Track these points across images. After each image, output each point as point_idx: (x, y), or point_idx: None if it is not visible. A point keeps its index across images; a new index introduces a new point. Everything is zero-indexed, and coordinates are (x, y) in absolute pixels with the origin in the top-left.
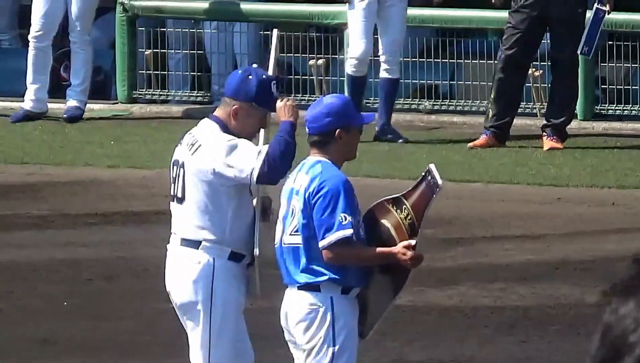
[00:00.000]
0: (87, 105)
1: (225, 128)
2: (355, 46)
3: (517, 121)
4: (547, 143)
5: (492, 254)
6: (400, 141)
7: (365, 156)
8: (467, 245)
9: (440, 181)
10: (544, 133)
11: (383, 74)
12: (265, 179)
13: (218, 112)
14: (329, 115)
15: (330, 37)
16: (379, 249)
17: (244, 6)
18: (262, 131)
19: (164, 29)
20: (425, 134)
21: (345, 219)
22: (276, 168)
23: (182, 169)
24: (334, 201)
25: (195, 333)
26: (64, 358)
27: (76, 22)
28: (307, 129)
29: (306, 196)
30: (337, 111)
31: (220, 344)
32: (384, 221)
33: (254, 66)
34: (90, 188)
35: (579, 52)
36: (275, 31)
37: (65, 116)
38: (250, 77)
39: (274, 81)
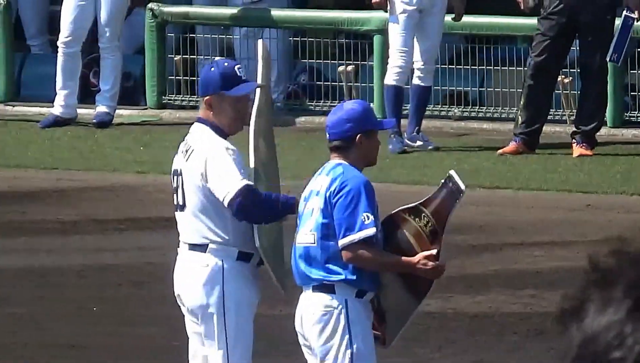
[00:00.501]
0: (117, 111)
1: (212, 125)
2: (396, 56)
3: (546, 128)
4: (577, 149)
5: (521, 261)
6: (430, 147)
7: (395, 162)
8: (496, 252)
9: (463, 186)
10: (573, 140)
11: (416, 81)
12: (234, 210)
13: (201, 113)
14: (350, 121)
15: (360, 43)
16: (399, 257)
17: (274, 12)
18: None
19: (194, 35)
20: (455, 140)
21: (368, 218)
22: (247, 211)
23: (180, 177)
24: (356, 200)
25: (210, 338)
26: None
27: (105, 28)
28: (327, 135)
29: (327, 196)
30: (357, 116)
31: (237, 347)
32: (403, 230)
33: (216, 58)
34: (119, 194)
35: (607, 59)
36: (260, 42)
37: (94, 121)
38: (212, 69)
39: (238, 65)
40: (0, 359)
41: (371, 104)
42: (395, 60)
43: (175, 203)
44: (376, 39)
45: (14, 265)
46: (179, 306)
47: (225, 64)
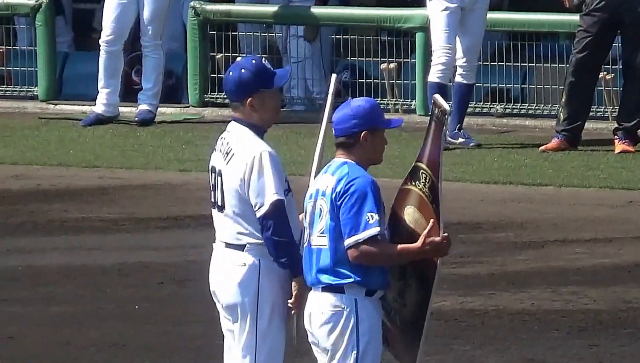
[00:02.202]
0: (159, 109)
1: (253, 126)
2: (439, 53)
3: (588, 125)
4: (619, 146)
5: (563, 258)
6: (472, 144)
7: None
8: (538, 249)
9: (447, 107)
10: (615, 136)
11: (458, 79)
12: (261, 224)
13: (237, 115)
14: (355, 117)
15: (402, 40)
16: (403, 245)
17: (316, 10)
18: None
19: (235, 33)
20: (497, 137)
21: (372, 218)
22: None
23: (219, 178)
24: (361, 201)
25: (241, 335)
26: (136, 362)
27: (148, 26)
28: (333, 131)
29: (333, 197)
30: (363, 113)
31: (265, 346)
32: (405, 215)
33: (238, 59)
34: (161, 192)
35: None
36: (333, 76)
37: (136, 119)
38: (243, 71)
39: (264, 59)
40: (42, 358)
41: (414, 102)
42: (438, 57)
43: (212, 200)
44: (418, 36)
45: (56, 264)
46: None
47: (253, 61)
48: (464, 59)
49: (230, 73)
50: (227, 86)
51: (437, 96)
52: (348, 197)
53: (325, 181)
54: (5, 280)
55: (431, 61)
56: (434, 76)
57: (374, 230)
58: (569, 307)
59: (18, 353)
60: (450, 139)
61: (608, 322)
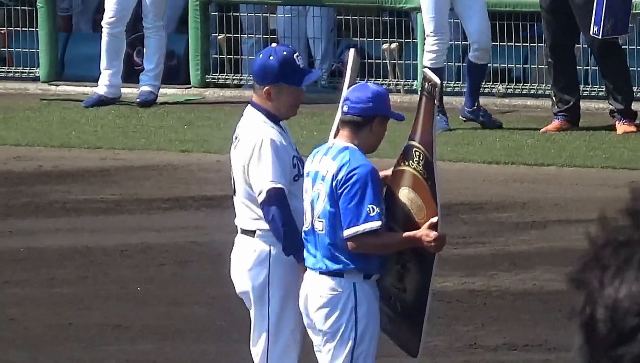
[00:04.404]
0: (160, 90)
1: (266, 111)
2: (430, 41)
3: (590, 104)
4: (620, 127)
5: (565, 238)
6: (497, 124)
7: (438, 140)
8: (540, 229)
9: (437, 80)
10: (615, 119)
11: (471, 59)
12: (262, 211)
13: (255, 98)
14: (373, 101)
15: (404, 21)
16: (402, 234)
17: None
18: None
19: (237, 14)
20: (498, 117)
21: (373, 210)
22: (271, 214)
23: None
24: (362, 191)
25: (255, 321)
26: (138, 343)
27: (149, 7)
28: (344, 108)
29: (333, 184)
30: (381, 99)
31: (279, 333)
32: (400, 196)
33: (273, 45)
34: (163, 173)
35: (590, 33)
36: (351, 51)
37: (138, 100)
38: (271, 57)
39: (297, 54)
40: (45, 340)
41: (415, 82)
42: (430, 45)
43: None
44: (419, 17)
45: (58, 245)
46: (223, 286)
47: (284, 52)
48: (477, 44)
49: (260, 56)
50: (253, 68)
51: (427, 70)
52: (349, 186)
53: (326, 165)
54: (7, 262)
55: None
56: (426, 62)
57: (375, 224)
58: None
59: (20, 335)
60: (468, 115)
61: None
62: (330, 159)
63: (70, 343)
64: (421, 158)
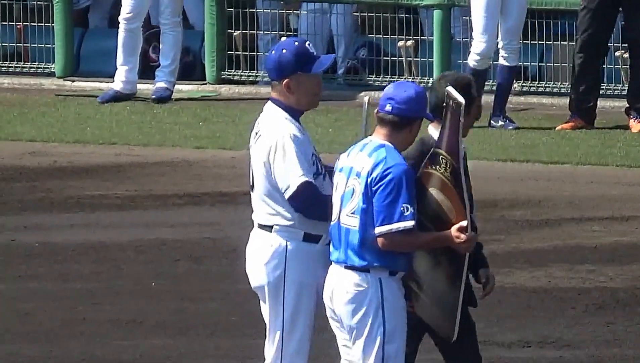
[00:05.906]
0: (176, 86)
1: (287, 107)
2: (477, 41)
3: (605, 103)
4: (635, 125)
5: (580, 236)
6: (510, 128)
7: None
8: (555, 227)
9: (461, 100)
10: (630, 117)
11: (501, 61)
12: (293, 205)
13: (274, 95)
14: (419, 103)
15: (420, 18)
16: (433, 234)
17: None
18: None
19: (253, 10)
20: (514, 115)
21: (407, 210)
22: (305, 207)
23: (251, 158)
24: (397, 190)
25: (270, 317)
26: (152, 339)
27: (166, 4)
28: (387, 107)
29: (368, 181)
30: (425, 101)
31: (294, 328)
32: (431, 192)
33: (282, 39)
34: (178, 169)
35: None
36: (365, 99)
37: (153, 96)
38: (284, 51)
39: (307, 42)
40: (59, 334)
41: (431, 80)
42: (476, 46)
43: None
44: (436, 14)
45: (72, 241)
46: (237, 282)
47: (296, 43)
48: (505, 41)
49: (272, 52)
50: (268, 65)
51: (450, 89)
52: (384, 185)
53: (361, 161)
54: (22, 257)
55: (452, 38)
56: (470, 62)
57: (409, 224)
58: (585, 285)
59: (34, 329)
60: (490, 122)
61: (625, 299)
62: (365, 155)
63: (84, 338)
64: (448, 166)
